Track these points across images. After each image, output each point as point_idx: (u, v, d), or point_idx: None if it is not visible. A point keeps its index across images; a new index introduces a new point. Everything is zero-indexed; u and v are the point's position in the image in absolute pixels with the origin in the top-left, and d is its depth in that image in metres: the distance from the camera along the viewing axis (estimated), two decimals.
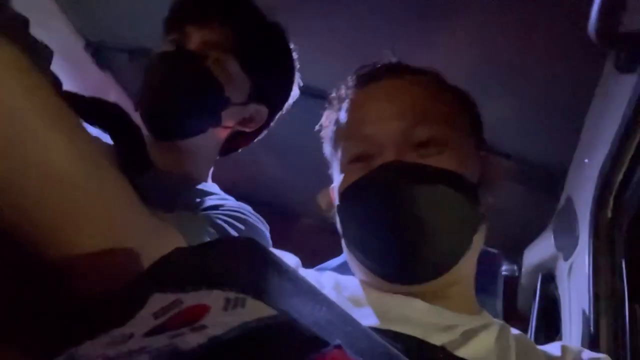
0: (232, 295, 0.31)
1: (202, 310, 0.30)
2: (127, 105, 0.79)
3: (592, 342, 0.83)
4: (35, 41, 0.48)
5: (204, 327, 0.29)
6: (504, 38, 1.01)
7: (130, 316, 0.32)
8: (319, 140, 0.77)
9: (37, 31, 0.49)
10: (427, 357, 0.51)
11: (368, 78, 0.70)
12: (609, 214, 0.89)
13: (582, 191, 0.97)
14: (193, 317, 0.29)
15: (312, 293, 0.38)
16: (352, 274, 0.69)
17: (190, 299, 0.32)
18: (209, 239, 0.68)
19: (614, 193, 0.87)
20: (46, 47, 0.48)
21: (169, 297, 0.32)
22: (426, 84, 0.68)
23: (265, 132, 1.00)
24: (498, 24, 1.01)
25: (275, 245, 0.83)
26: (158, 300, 0.32)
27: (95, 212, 0.41)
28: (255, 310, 0.30)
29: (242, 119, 0.92)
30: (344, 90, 0.72)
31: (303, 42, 0.95)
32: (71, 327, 0.35)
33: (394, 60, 0.73)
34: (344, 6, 1.07)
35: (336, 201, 0.67)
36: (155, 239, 0.48)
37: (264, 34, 0.91)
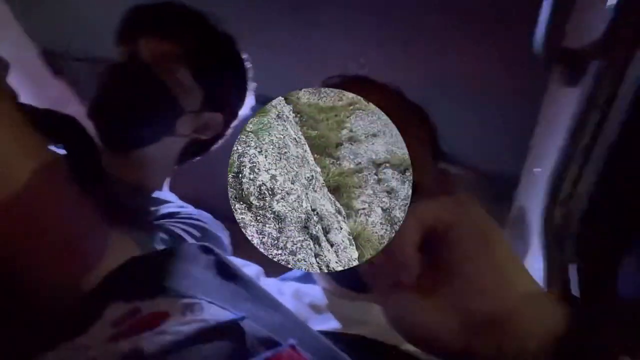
0: (188, 300, 0.32)
1: (161, 316, 0.30)
2: (84, 114, 0.79)
3: None
4: None
5: (163, 332, 0.29)
6: (456, 54, 1.06)
7: (89, 326, 0.32)
8: None
9: None
10: (382, 356, 0.53)
11: (334, 87, 0.72)
12: (558, 221, 0.92)
13: (533, 199, 1.00)
14: (153, 323, 0.30)
15: (267, 299, 0.39)
16: (314, 284, 0.70)
17: (149, 306, 0.32)
18: (163, 247, 0.68)
19: (561, 201, 0.90)
20: (1, 59, 0.48)
21: (127, 306, 0.32)
22: (387, 95, 0.71)
23: (223, 139, 1.00)
24: (452, 41, 1.05)
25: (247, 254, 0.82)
26: (116, 309, 0.33)
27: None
28: (212, 314, 0.31)
29: (197, 126, 0.92)
30: None
31: (280, 56, 0.96)
32: (31, 339, 0.35)
33: (360, 72, 0.76)
34: (310, 20, 1.10)
35: None
36: (111, 248, 0.49)
37: (213, 43, 0.92)
